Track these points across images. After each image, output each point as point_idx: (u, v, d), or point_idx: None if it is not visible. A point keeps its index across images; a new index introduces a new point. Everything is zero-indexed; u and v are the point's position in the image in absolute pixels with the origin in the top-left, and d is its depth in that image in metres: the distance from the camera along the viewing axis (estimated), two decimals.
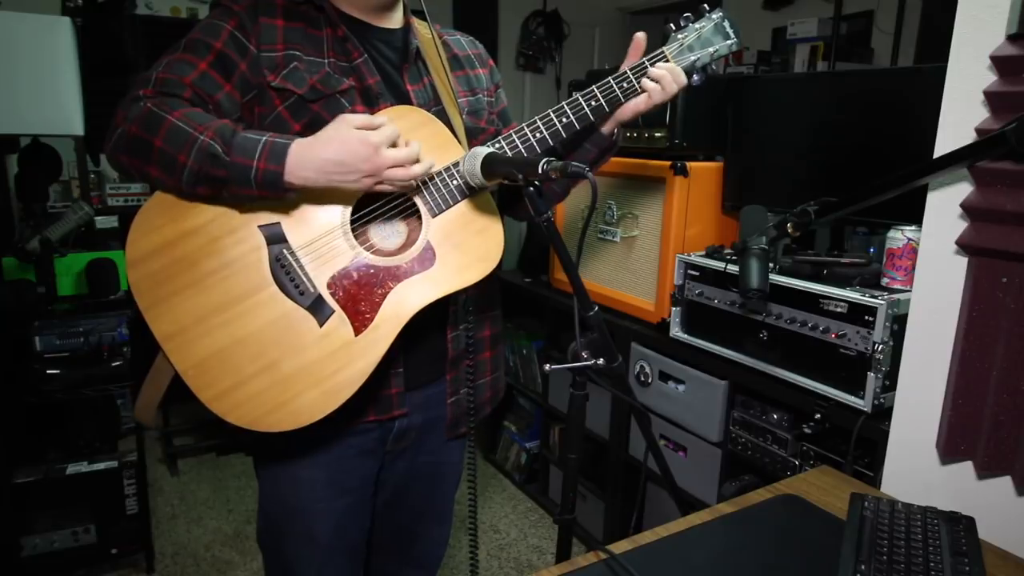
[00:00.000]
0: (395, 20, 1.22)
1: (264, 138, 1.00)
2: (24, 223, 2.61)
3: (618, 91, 1.15)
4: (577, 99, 1.14)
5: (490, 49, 1.44)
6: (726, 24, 1.19)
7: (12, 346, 2.25)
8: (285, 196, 1.03)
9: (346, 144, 0.99)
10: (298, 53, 1.10)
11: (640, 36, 1.18)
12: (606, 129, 1.23)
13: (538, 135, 1.13)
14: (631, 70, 1.15)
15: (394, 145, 1.02)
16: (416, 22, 1.26)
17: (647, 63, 1.16)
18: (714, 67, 1.20)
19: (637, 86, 1.15)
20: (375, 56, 1.17)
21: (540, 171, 0.93)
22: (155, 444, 3.25)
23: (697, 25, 1.18)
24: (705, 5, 1.19)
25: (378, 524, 1.38)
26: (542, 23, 5.29)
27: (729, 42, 1.19)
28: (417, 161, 1.04)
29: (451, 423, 1.31)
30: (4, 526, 2.08)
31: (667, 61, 1.17)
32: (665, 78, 1.14)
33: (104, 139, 1.05)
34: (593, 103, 1.15)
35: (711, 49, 1.18)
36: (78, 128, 2.15)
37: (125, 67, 2.58)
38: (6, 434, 2.12)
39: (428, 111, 1.18)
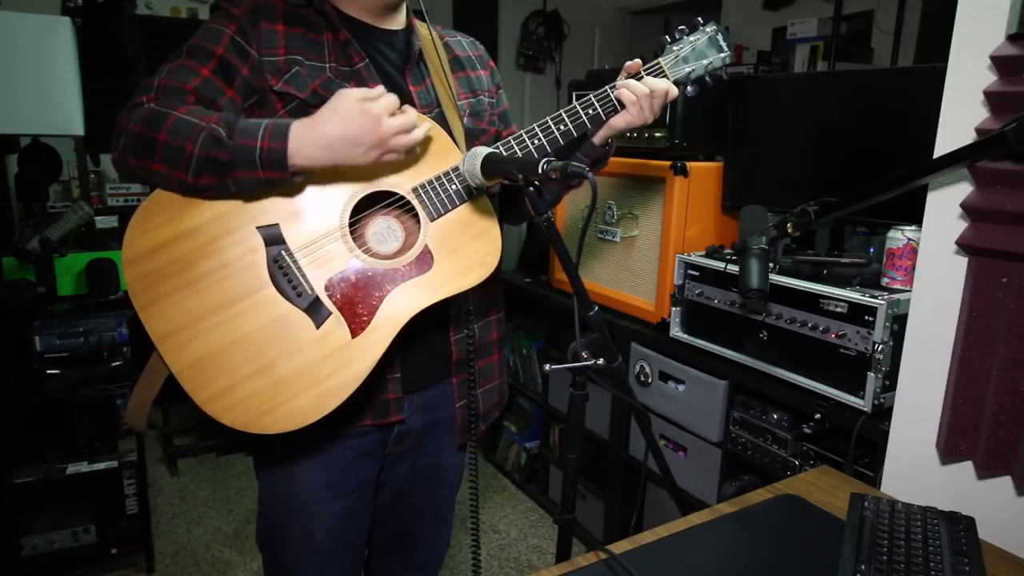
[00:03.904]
0: (398, 21, 1.22)
1: (265, 121, 1.01)
2: (24, 223, 2.61)
3: (615, 99, 1.18)
4: (575, 107, 1.16)
5: (490, 49, 1.45)
6: (719, 37, 1.23)
7: (12, 346, 2.25)
8: (292, 180, 1.02)
9: (349, 118, 0.99)
10: (299, 58, 1.10)
11: (633, 63, 1.21)
12: (599, 139, 1.24)
13: (536, 142, 1.15)
14: (628, 79, 1.18)
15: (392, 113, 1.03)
16: (416, 23, 1.26)
17: (643, 74, 1.19)
18: (708, 79, 1.23)
19: (634, 95, 1.17)
20: (377, 58, 1.18)
21: (540, 171, 0.93)
22: (155, 444, 3.25)
23: (692, 37, 1.22)
24: (699, 18, 1.23)
25: (378, 526, 1.38)
26: (542, 23, 5.29)
27: (723, 55, 1.23)
28: (415, 126, 1.04)
29: (462, 427, 1.30)
30: (4, 526, 2.08)
31: (663, 71, 1.20)
32: (657, 90, 1.17)
33: (110, 145, 1.05)
34: (591, 111, 1.17)
35: (705, 61, 1.22)
36: (78, 128, 2.15)
37: (125, 67, 2.58)
38: (6, 434, 2.12)
39: (431, 112, 1.19)
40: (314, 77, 1.10)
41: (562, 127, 1.15)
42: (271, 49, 1.09)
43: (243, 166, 0.99)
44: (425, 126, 1.07)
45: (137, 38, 2.87)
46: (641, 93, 1.16)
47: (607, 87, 1.18)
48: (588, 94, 1.18)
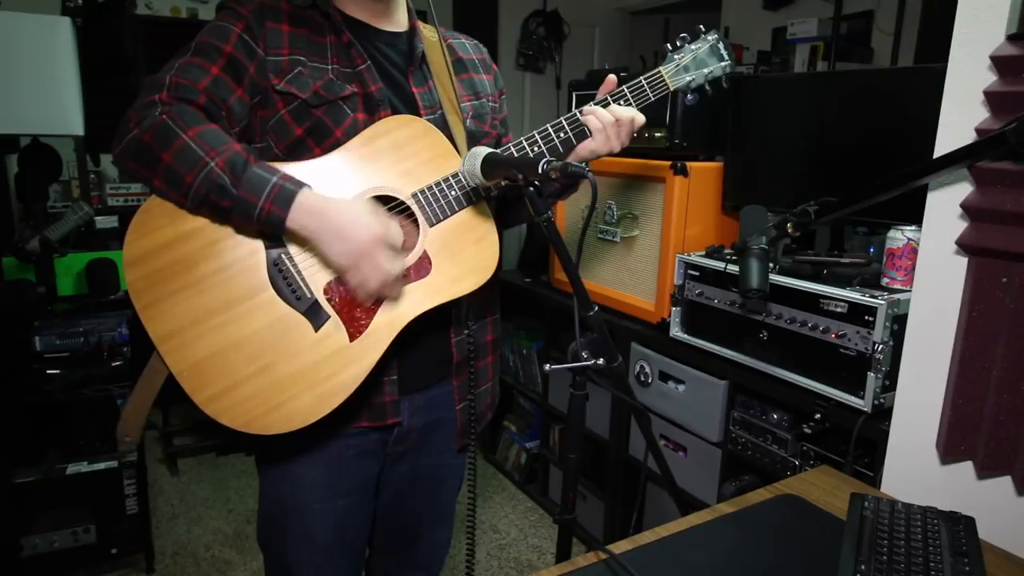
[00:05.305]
0: (400, 23, 1.23)
1: (274, 179, 1.00)
2: (24, 223, 2.60)
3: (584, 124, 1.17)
4: (547, 130, 1.16)
5: (490, 49, 1.45)
6: (720, 46, 1.23)
7: (12, 346, 2.25)
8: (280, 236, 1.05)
9: (357, 224, 1.01)
10: (303, 58, 1.11)
11: (608, 81, 1.20)
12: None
13: (536, 150, 1.15)
14: (627, 87, 1.19)
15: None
16: (422, 25, 1.26)
17: (643, 81, 1.19)
18: (708, 87, 1.23)
19: (600, 123, 1.16)
20: (380, 60, 1.18)
21: (540, 171, 0.93)
22: (155, 444, 3.25)
23: (693, 46, 1.22)
24: (701, 26, 1.23)
25: (379, 526, 1.38)
26: (542, 23, 5.28)
27: (723, 63, 1.23)
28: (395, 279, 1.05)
29: (462, 429, 1.31)
30: (4, 526, 2.08)
31: (663, 80, 1.21)
32: (623, 119, 1.16)
33: (110, 145, 1.05)
34: (562, 135, 1.17)
35: (705, 70, 1.22)
36: (78, 128, 2.15)
37: (125, 67, 2.59)
38: (6, 434, 2.11)
39: (433, 114, 1.19)
40: (316, 78, 1.11)
41: (535, 149, 1.16)
42: (276, 49, 1.10)
43: (240, 215, 1.01)
44: (398, 286, 1.07)
45: (137, 38, 2.87)
46: (607, 122, 1.15)
47: (576, 111, 1.17)
48: (587, 94, 1.18)
